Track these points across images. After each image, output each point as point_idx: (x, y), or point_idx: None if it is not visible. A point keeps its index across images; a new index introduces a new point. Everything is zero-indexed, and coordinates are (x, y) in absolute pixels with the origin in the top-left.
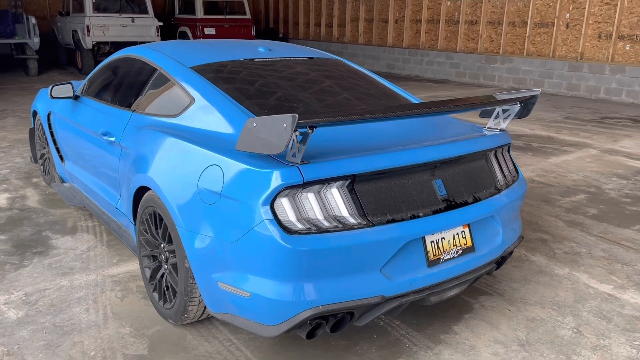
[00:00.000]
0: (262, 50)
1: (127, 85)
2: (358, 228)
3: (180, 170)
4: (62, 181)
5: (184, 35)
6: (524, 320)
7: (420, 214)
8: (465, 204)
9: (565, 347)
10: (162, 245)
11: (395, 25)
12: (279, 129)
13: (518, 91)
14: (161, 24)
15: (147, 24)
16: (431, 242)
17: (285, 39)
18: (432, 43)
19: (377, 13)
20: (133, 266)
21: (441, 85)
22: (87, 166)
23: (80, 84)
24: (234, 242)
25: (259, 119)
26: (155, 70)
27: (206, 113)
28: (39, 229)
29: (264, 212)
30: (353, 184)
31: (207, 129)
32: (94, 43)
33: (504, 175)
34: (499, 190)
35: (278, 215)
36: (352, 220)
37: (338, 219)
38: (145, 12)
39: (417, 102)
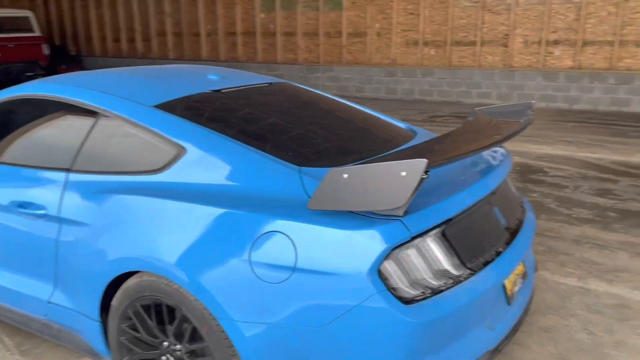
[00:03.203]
0: (214, 77)
1: (43, 138)
2: (465, 279)
3: (210, 245)
4: None
5: None
6: None
7: (501, 249)
8: (519, 228)
9: None
10: (165, 343)
11: (208, 39)
12: (393, 179)
13: (513, 104)
14: None
15: None
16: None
17: (79, 57)
18: (251, 55)
19: (186, 26)
20: None
21: None
22: None
23: None
24: (322, 326)
25: (352, 168)
26: (96, 114)
27: (207, 164)
28: None
29: (373, 283)
30: (444, 229)
31: (213, 183)
32: None
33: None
34: (523, 208)
35: (387, 283)
36: (455, 272)
37: (444, 274)
38: None
39: (405, 125)
